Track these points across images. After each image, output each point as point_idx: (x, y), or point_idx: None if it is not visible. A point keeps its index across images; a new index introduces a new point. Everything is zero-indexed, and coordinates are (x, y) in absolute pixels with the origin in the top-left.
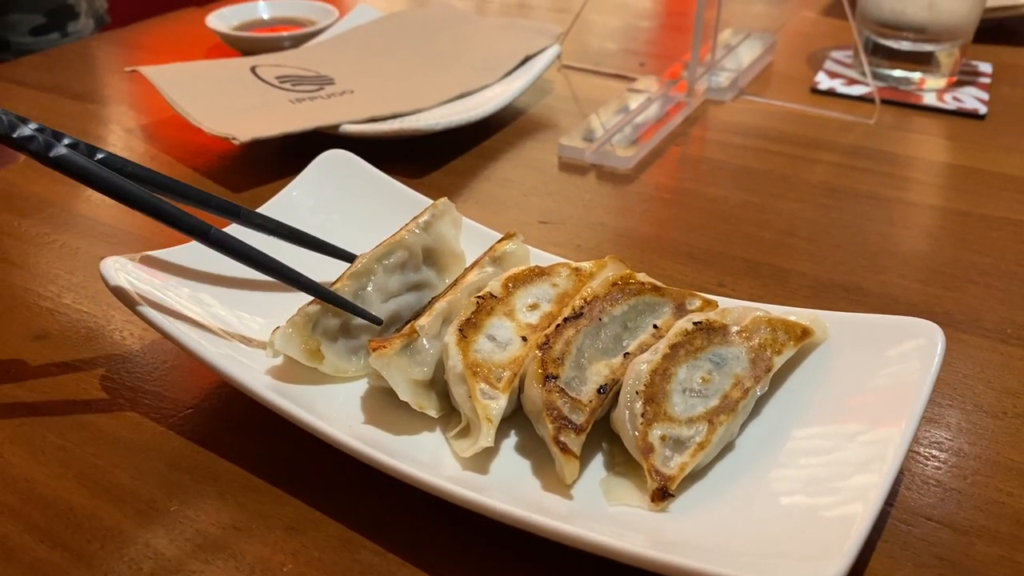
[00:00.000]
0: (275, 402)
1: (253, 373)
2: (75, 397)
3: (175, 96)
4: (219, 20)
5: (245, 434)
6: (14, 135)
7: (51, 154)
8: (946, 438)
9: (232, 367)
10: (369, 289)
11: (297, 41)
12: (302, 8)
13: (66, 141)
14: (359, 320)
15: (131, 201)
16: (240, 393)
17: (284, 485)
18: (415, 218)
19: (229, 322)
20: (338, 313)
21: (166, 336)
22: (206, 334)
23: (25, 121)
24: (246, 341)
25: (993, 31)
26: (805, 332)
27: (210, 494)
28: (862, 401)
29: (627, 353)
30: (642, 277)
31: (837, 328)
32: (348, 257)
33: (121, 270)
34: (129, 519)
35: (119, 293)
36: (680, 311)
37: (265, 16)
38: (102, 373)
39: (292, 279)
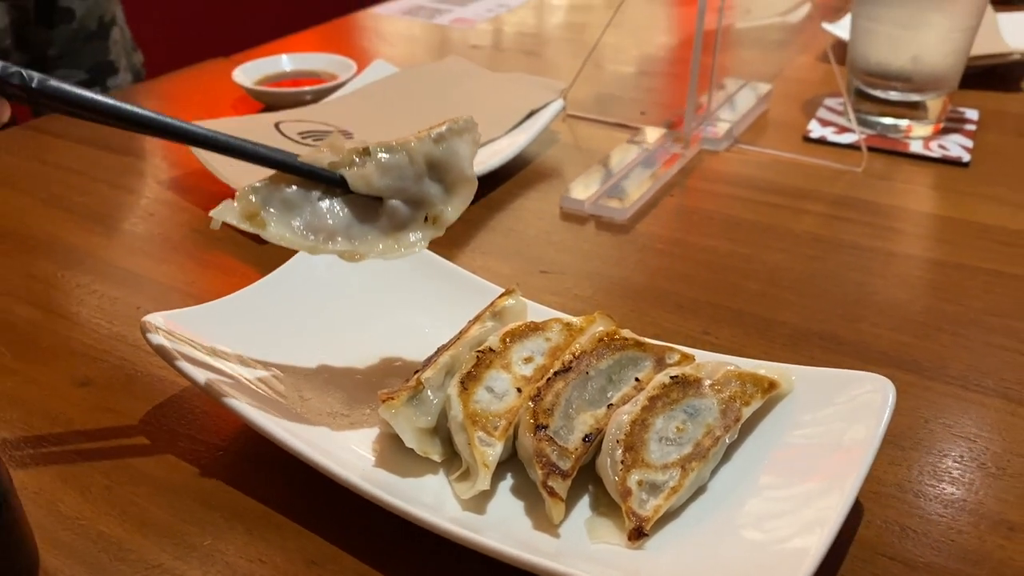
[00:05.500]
0: (295, 447)
1: (277, 420)
2: (117, 440)
3: (204, 154)
4: (244, 75)
5: (270, 475)
6: None
7: (34, 85)
8: (906, 480)
9: (257, 415)
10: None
11: (317, 95)
12: (322, 62)
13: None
14: (331, 201)
15: (121, 117)
16: (266, 438)
17: (304, 522)
18: (429, 128)
19: (255, 372)
20: (297, 182)
21: (199, 387)
22: (234, 384)
23: None
24: (271, 390)
25: (981, 76)
26: (772, 385)
27: (239, 530)
28: (820, 448)
29: (611, 404)
30: (626, 333)
31: (802, 381)
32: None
33: (160, 326)
34: (167, 553)
35: (159, 349)
36: (660, 365)
37: (288, 69)
38: (141, 418)
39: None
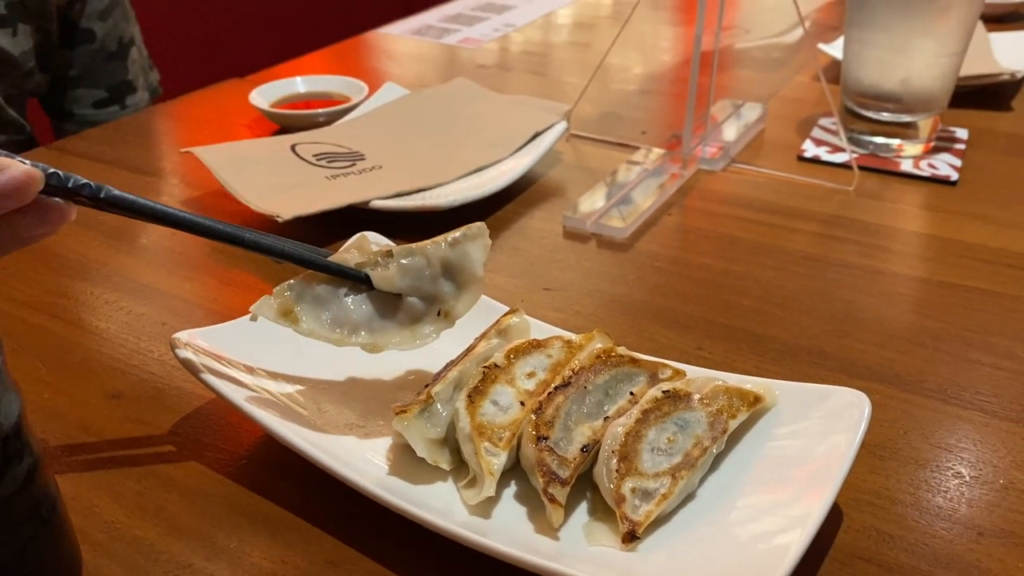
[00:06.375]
0: (315, 456)
1: (297, 431)
2: (148, 449)
3: (224, 175)
4: (260, 97)
5: (291, 482)
6: (69, 185)
7: (102, 195)
8: (884, 488)
9: (279, 426)
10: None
11: (331, 117)
12: (335, 84)
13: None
14: (355, 297)
15: (177, 223)
16: (287, 448)
17: (323, 526)
18: (445, 235)
19: (277, 386)
20: (326, 279)
21: (225, 400)
22: (257, 397)
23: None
24: (291, 403)
25: (971, 95)
26: (757, 399)
27: (263, 533)
28: (801, 457)
29: (607, 417)
30: (622, 350)
31: (785, 395)
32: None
33: (187, 343)
34: (197, 554)
35: (187, 364)
36: (653, 380)
37: (302, 90)
38: (169, 428)
39: (276, 251)
